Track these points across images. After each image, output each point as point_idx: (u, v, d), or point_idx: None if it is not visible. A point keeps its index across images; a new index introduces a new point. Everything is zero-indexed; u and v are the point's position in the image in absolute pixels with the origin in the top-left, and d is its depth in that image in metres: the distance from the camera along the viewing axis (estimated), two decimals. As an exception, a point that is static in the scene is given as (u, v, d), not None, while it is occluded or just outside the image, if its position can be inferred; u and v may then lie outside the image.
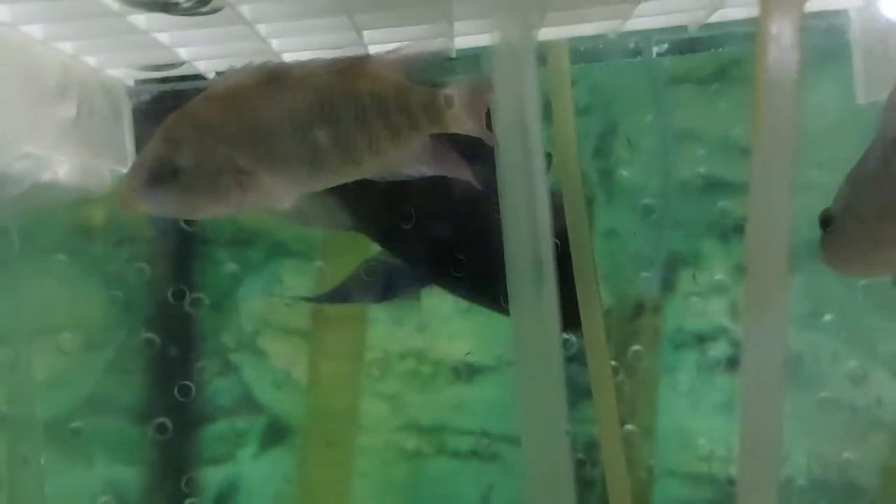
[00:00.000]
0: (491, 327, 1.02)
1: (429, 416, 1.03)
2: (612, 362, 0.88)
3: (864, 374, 0.87)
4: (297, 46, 0.69)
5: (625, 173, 1.00)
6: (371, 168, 0.57)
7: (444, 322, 1.03)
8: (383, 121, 0.56)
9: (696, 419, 1.00)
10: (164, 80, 0.76)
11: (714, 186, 1.00)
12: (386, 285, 0.76)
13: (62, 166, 0.63)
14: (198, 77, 0.74)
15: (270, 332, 1.03)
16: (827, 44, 0.75)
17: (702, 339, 1.02)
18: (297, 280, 1.00)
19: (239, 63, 0.69)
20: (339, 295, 0.82)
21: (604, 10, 0.66)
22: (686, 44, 0.84)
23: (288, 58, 0.69)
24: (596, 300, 0.72)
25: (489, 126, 0.56)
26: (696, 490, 1.00)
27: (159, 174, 0.54)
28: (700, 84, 0.93)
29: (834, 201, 0.58)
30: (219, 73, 0.73)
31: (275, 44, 0.67)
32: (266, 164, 0.55)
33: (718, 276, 1.01)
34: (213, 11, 0.59)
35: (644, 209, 0.96)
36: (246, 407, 1.02)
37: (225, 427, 1.02)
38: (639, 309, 0.89)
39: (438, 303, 1.03)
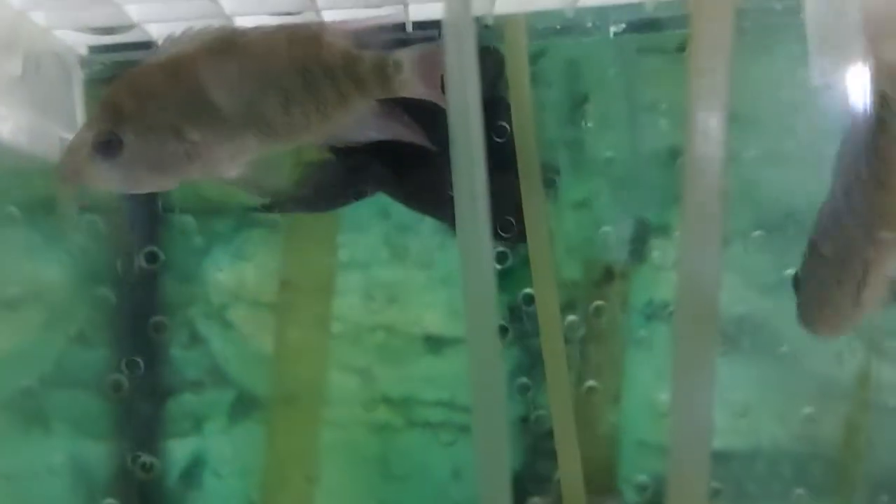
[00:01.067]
0: (460, 300, 1.01)
1: (399, 389, 1.02)
2: (581, 330, 0.89)
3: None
4: (248, 9, 0.67)
5: (593, 144, 1.00)
6: (320, 134, 0.57)
7: (414, 295, 1.02)
8: (331, 88, 0.55)
9: (667, 390, 1.00)
10: (117, 49, 0.74)
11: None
12: (330, 192, 0.75)
13: (5, 123, 0.61)
14: (151, 46, 0.72)
15: (239, 304, 1.02)
16: (782, 24, 0.74)
17: (668, 312, 1.02)
18: (265, 251, 0.99)
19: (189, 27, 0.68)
20: (285, 204, 0.80)
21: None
22: (645, 24, 0.84)
23: (240, 21, 0.68)
24: (549, 267, 0.72)
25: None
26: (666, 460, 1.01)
27: (101, 147, 0.53)
28: (667, 54, 0.93)
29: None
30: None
31: (226, 6, 0.66)
32: (213, 134, 0.54)
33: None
34: None
35: (612, 179, 0.96)
36: (214, 379, 1.01)
37: (193, 400, 1.01)
38: (607, 276, 0.89)
39: (409, 276, 1.02)
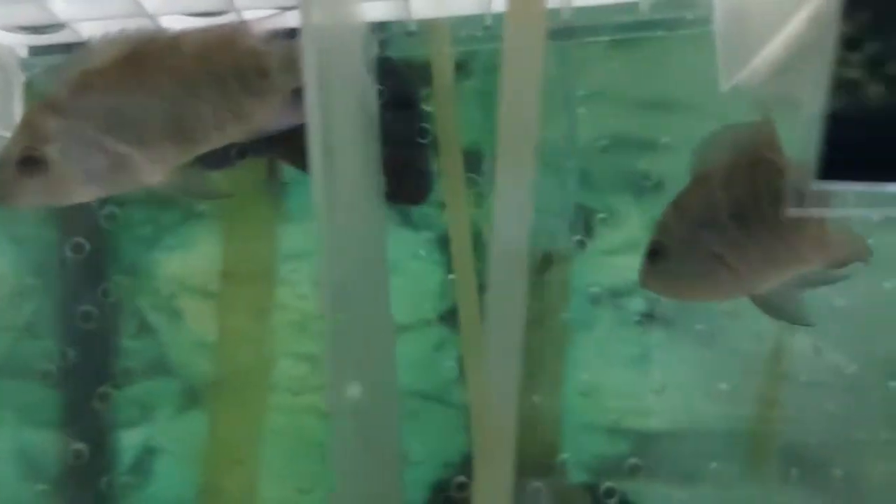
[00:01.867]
0: (407, 288, 1.02)
1: (348, 376, 1.03)
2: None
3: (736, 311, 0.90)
4: (171, 9, 0.68)
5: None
6: (238, 133, 0.58)
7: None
8: (244, 87, 0.57)
9: (611, 374, 1.01)
10: (56, 51, 0.75)
11: (629, 144, 1.01)
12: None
13: None
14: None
15: (187, 295, 1.02)
16: (695, 33, 0.75)
17: (617, 295, 1.03)
18: (211, 241, 1.00)
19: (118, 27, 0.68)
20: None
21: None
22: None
23: (164, 20, 0.68)
24: (468, 255, 0.73)
25: None
26: (611, 443, 1.02)
27: (26, 165, 0.54)
28: (602, 45, 0.94)
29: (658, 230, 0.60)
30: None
31: (148, 5, 0.66)
32: (135, 143, 0.55)
33: (633, 233, 1.02)
34: None
35: (554, 166, 0.97)
36: (163, 369, 1.02)
37: (142, 389, 1.02)
38: (546, 261, 0.90)
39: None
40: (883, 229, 0.83)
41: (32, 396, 0.98)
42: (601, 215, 1.00)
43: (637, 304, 1.02)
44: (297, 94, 0.57)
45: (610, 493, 0.94)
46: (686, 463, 0.98)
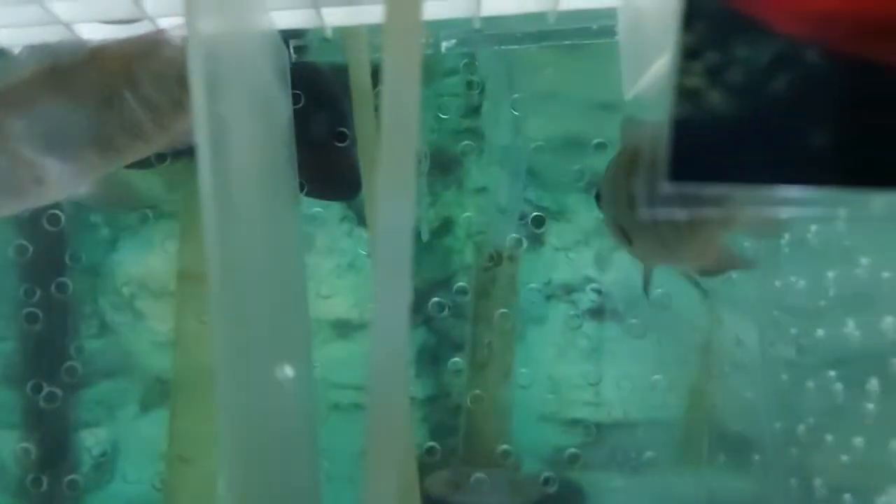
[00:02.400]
0: (364, 286, 1.05)
1: (308, 373, 1.05)
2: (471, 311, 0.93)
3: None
4: (84, 15, 0.66)
5: (492, 132, 1.04)
6: (161, 142, 0.58)
7: (321, 281, 1.05)
8: (166, 97, 0.57)
9: (566, 366, 1.04)
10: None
11: (578, 144, 1.04)
12: None
13: None
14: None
15: (147, 295, 1.04)
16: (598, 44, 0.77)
17: (569, 290, 1.06)
18: (170, 241, 1.01)
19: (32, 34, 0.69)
20: None
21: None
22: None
23: (78, 27, 0.69)
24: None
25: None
26: (566, 434, 1.05)
27: None
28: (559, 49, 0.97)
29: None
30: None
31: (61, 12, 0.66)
32: (55, 154, 0.55)
33: (583, 229, 1.05)
34: None
35: (504, 165, 1.00)
36: (125, 368, 1.03)
37: (104, 389, 1.03)
38: (496, 259, 0.93)
39: (316, 262, 1.05)
40: (823, 223, 0.87)
41: (-6, 397, 0.99)
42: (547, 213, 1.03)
43: (588, 299, 1.06)
44: None
45: (559, 482, 0.97)
46: (628, 452, 1.01)
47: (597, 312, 1.06)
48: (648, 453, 1.00)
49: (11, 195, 0.56)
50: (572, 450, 0.95)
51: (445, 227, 1.06)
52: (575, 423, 1.05)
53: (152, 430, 1.04)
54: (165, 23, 0.68)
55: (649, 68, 0.51)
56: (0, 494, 1.00)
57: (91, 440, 1.03)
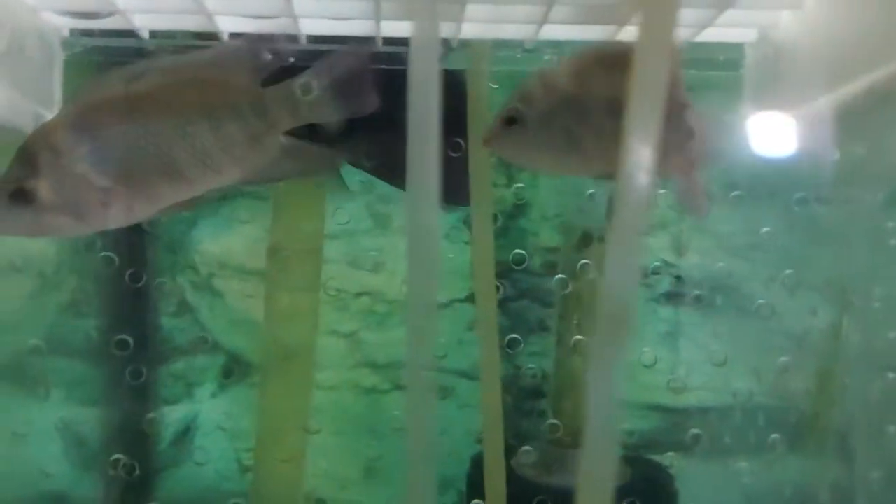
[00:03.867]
0: (443, 267, 1.05)
1: (384, 354, 1.05)
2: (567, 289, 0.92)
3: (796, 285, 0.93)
4: (229, 9, 0.68)
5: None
6: (234, 174, 0.57)
7: (397, 261, 1.05)
8: (239, 129, 0.56)
9: (641, 350, 1.04)
10: (97, 34, 0.76)
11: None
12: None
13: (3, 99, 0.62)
14: (129, 34, 0.74)
15: (226, 273, 1.04)
16: (722, 75, 0.78)
17: (645, 274, 1.06)
18: (251, 220, 1.01)
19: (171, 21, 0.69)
20: None
21: (519, 11, 0.69)
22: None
23: (221, 20, 0.69)
24: (489, 234, 0.76)
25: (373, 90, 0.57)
26: (643, 419, 1.05)
27: (15, 196, 0.54)
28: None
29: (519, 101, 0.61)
30: (151, 34, 0.73)
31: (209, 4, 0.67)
32: (125, 182, 0.55)
33: (660, 213, 1.05)
34: None
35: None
36: (203, 346, 1.03)
37: (182, 367, 1.04)
38: (585, 240, 0.93)
39: (392, 243, 1.05)
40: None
41: (76, 374, 0.99)
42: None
43: (665, 283, 1.06)
44: (294, 143, 0.58)
45: (647, 464, 0.97)
46: (714, 438, 1.01)
47: (673, 296, 1.05)
48: (725, 438, 1.00)
49: (77, 217, 0.55)
50: (649, 434, 0.95)
51: (521, 208, 1.06)
52: (651, 407, 1.05)
53: (230, 408, 1.05)
54: (307, 24, 0.68)
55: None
56: (79, 470, 1.00)
57: (169, 417, 1.03)
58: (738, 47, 0.75)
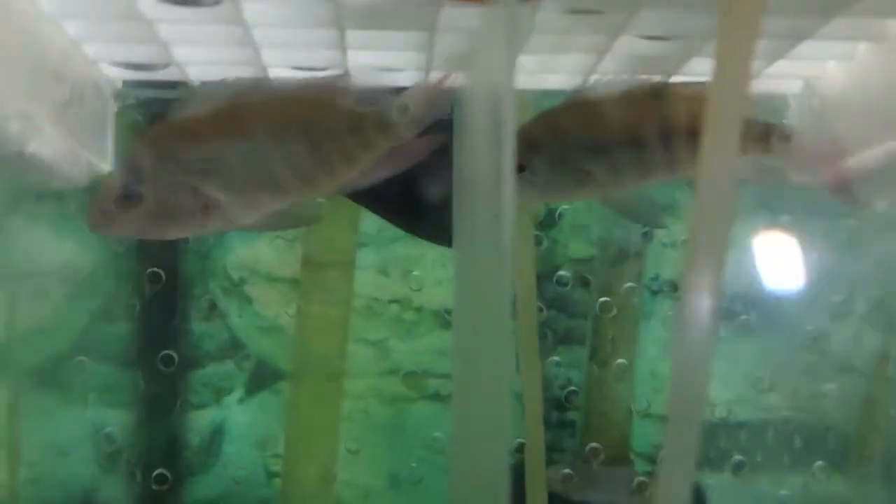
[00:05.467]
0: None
1: (412, 362, 1.05)
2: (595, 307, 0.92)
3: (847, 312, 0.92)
4: (283, 60, 0.70)
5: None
6: (328, 187, 0.60)
7: (427, 271, 1.05)
8: (337, 145, 0.58)
9: (670, 363, 1.03)
10: (148, 86, 0.77)
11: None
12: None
13: (49, 145, 0.64)
14: (181, 85, 0.75)
15: (257, 280, 1.04)
16: None
17: (677, 287, 1.05)
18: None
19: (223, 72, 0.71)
20: None
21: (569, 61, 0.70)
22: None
23: (274, 72, 0.71)
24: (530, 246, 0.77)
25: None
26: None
27: (123, 199, 0.57)
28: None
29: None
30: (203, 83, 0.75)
31: (265, 54, 0.69)
32: (226, 190, 0.58)
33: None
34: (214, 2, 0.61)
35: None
36: (232, 352, 1.04)
37: (211, 372, 1.04)
38: (621, 255, 0.92)
39: (421, 252, 1.05)
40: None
41: (107, 379, 1.00)
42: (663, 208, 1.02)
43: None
44: (389, 154, 0.60)
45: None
46: (733, 452, 1.00)
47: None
48: (757, 455, 0.99)
49: (178, 221, 0.58)
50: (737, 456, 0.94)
51: (551, 218, 1.06)
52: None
53: (257, 415, 1.05)
54: (356, 75, 0.70)
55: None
56: (108, 474, 1.01)
57: (197, 422, 1.04)
58: (781, 97, 0.76)
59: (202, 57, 0.71)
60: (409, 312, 1.05)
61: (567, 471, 0.88)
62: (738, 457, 0.96)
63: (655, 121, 0.59)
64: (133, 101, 0.78)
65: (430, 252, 1.06)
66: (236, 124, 0.57)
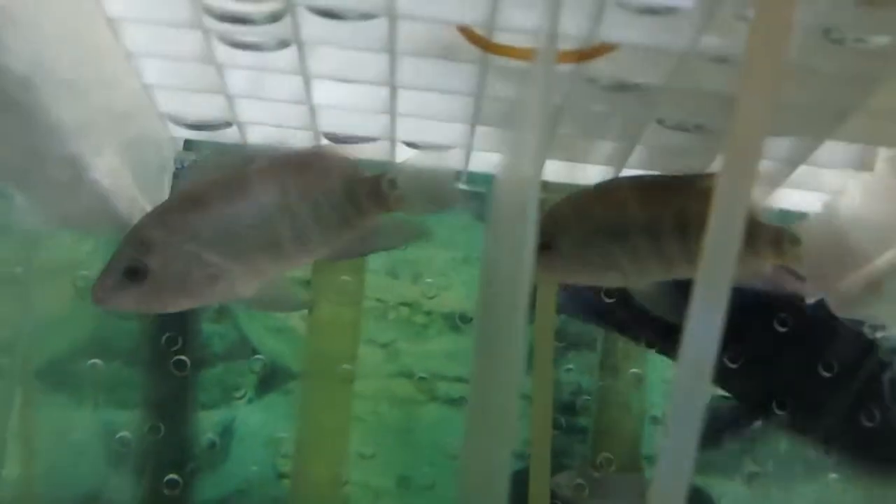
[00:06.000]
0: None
1: (422, 364, 1.05)
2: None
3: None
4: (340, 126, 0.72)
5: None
6: (323, 254, 0.61)
7: (437, 274, 1.05)
8: (334, 211, 0.60)
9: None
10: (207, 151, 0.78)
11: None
12: None
13: (108, 177, 0.65)
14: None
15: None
16: None
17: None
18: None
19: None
20: None
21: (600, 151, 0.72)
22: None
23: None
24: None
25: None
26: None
27: (129, 273, 0.57)
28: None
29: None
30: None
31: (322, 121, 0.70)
32: (232, 259, 0.58)
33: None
34: (282, 46, 0.63)
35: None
36: (241, 352, 1.04)
37: (220, 372, 1.04)
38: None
39: (432, 255, 1.05)
40: None
41: (118, 377, 1.00)
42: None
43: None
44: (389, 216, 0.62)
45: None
46: (744, 460, 1.00)
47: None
48: (768, 463, 0.99)
49: (184, 292, 0.58)
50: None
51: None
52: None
53: (266, 415, 1.05)
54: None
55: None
56: (118, 471, 1.01)
57: (206, 422, 1.04)
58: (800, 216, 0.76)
59: (262, 116, 0.71)
60: (419, 315, 1.05)
61: (579, 481, 0.88)
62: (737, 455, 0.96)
63: (673, 212, 0.61)
64: (187, 162, 0.78)
65: (440, 254, 1.06)
66: (243, 193, 0.58)
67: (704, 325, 0.36)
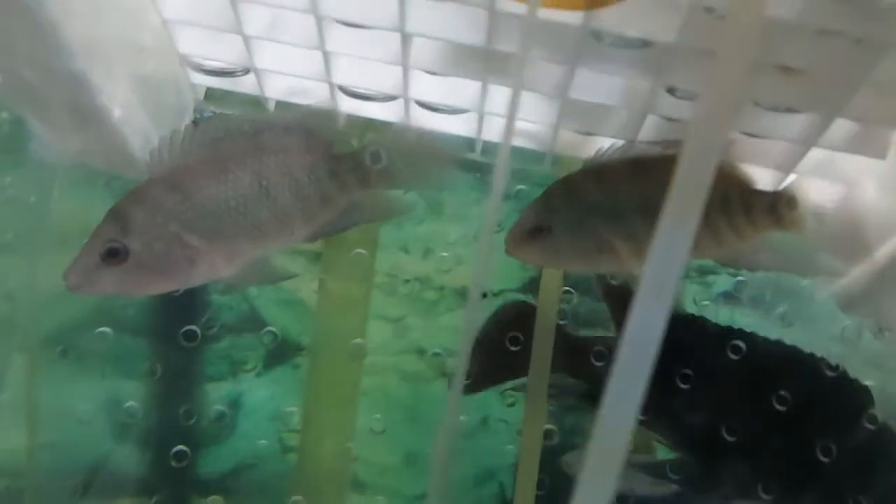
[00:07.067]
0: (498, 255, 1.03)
1: (431, 340, 1.04)
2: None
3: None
4: (352, 79, 0.70)
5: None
6: (305, 232, 0.61)
7: (448, 249, 1.03)
8: (315, 190, 0.59)
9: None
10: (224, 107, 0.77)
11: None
12: None
13: (126, 114, 0.63)
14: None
15: (276, 252, 1.03)
16: None
17: (703, 272, 1.03)
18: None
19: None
20: None
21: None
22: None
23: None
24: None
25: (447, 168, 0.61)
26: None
27: (109, 255, 0.56)
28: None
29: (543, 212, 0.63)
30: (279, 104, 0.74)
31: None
32: (212, 240, 0.58)
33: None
34: None
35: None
36: (250, 325, 1.03)
37: (228, 345, 1.03)
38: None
39: (443, 230, 1.03)
40: None
41: (122, 348, 0.99)
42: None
43: (723, 281, 1.03)
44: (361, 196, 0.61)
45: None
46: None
47: (731, 297, 1.03)
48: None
49: (164, 275, 0.58)
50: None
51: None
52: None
53: (273, 388, 1.04)
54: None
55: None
56: (124, 442, 1.01)
57: (213, 394, 1.03)
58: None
59: (278, 65, 0.69)
60: (429, 291, 1.04)
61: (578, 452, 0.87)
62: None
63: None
64: (203, 115, 0.76)
65: (452, 230, 1.04)
66: (222, 174, 0.57)
67: (670, 249, 0.35)
